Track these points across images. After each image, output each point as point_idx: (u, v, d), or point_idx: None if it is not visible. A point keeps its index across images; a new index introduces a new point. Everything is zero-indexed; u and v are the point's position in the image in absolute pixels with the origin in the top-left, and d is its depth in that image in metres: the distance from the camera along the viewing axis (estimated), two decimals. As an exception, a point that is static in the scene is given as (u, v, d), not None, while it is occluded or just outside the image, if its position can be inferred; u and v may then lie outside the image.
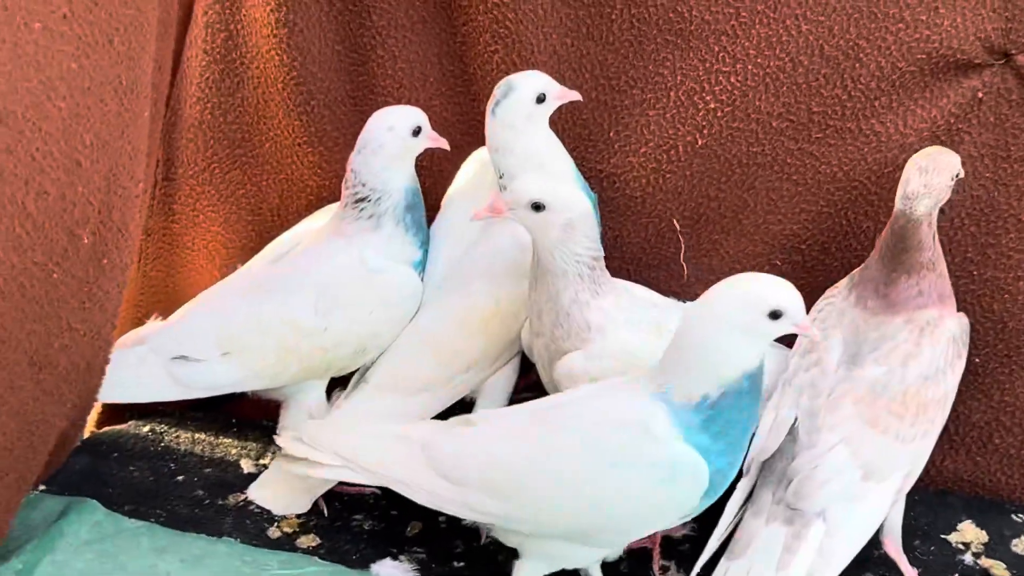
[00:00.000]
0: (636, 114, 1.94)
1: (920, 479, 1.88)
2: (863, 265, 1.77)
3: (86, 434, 2.08)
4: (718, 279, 1.92)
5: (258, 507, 1.85)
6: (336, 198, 1.90)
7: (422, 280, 1.88)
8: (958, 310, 1.80)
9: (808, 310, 1.56)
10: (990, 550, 1.83)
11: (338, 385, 1.94)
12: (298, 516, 1.84)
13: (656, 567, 1.76)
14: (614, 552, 1.65)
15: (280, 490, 1.85)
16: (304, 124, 2.06)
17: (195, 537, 1.75)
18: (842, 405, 1.66)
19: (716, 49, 1.88)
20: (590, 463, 1.50)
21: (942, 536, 1.85)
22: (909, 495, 1.77)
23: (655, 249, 2.00)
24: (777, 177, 1.92)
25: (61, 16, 1.40)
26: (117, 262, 1.65)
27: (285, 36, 2.01)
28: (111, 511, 1.78)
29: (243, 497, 1.87)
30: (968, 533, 1.86)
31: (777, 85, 1.88)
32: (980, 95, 1.82)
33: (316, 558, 1.73)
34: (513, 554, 1.63)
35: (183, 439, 2.07)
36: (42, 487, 1.85)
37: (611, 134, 1.96)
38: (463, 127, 2.04)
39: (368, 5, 2.01)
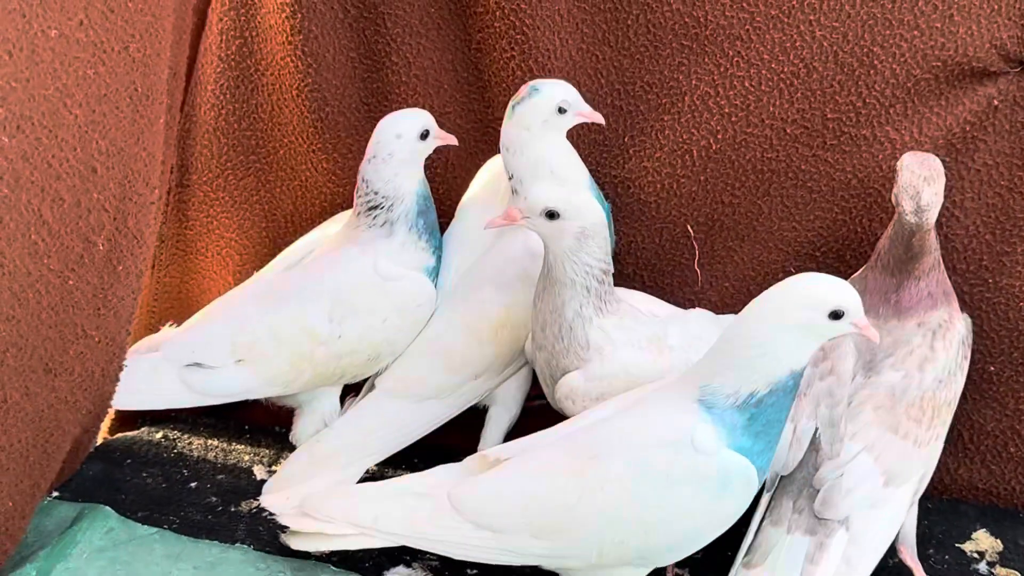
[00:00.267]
0: (651, 119, 1.95)
1: (935, 488, 1.90)
2: (860, 276, 1.77)
3: (99, 440, 2.08)
4: (732, 286, 1.95)
5: (271, 514, 1.83)
6: (350, 204, 1.90)
7: (435, 286, 1.88)
8: (972, 318, 1.81)
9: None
10: (1005, 559, 1.82)
11: (352, 391, 1.95)
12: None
13: (670, 575, 1.76)
14: None
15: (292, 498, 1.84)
16: (318, 131, 2.07)
17: (208, 544, 1.76)
18: (862, 412, 1.67)
19: (731, 53, 1.89)
20: (641, 488, 1.49)
21: (957, 545, 1.85)
22: (924, 504, 1.77)
23: (669, 255, 2.00)
24: (792, 183, 1.92)
25: (78, 23, 1.42)
26: (132, 269, 1.66)
27: (300, 43, 2.02)
28: (124, 518, 1.79)
29: (256, 504, 1.87)
30: (983, 542, 1.86)
31: (791, 91, 1.88)
32: (996, 103, 1.82)
33: (329, 565, 1.73)
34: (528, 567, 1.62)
35: (196, 445, 2.07)
36: (55, 493, 1.86)
37: (626, 139, 1.96)
38: (478, 133, 2.04)
39: (383, 12, 2.01)
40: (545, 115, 1.79)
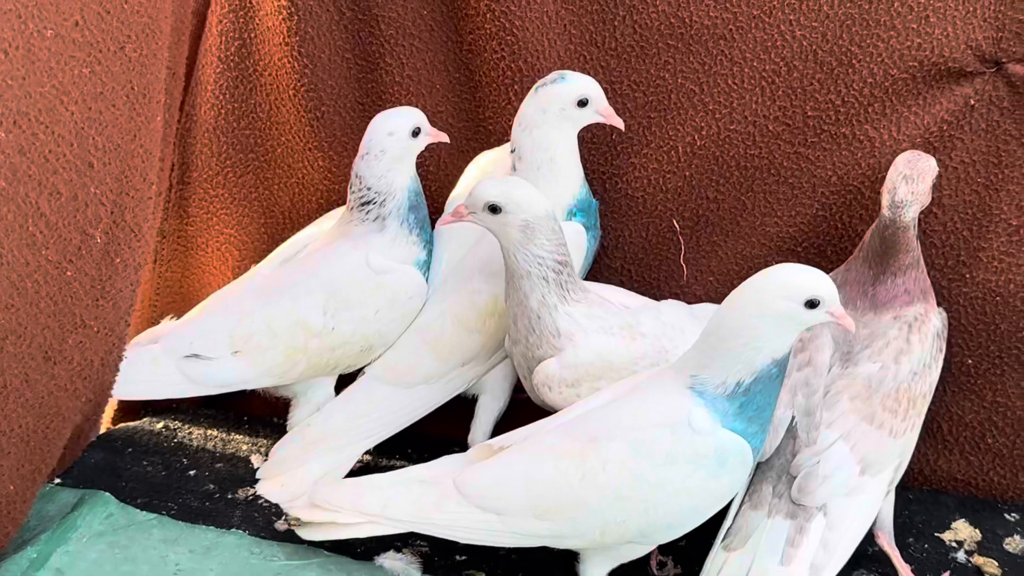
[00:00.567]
0: (638, 117, 1.98)
1: (915, 478, 1.93)
2: (844, 268, 1.80)
3: (101, 430, 2.12)
4: (716, 280, 1.97)
5: (267, 501, 1.87)
6: (345, 200, 1.93)
7: (427, 279, 1.91)
8: (950, 312, 1.84)
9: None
10: (983, 548, 1.85)
11: (347, 382, 1.97)
12: (306, 510, 1.86)
13: (654, 562, 1.78)
14: None
15: (290, 488, 1.87)
16: (314, 129, 2.10)
17: (204, 529, 1.79)
18: (839, 402, 1.70)
19: (715, 52, 1.92)
20: (642, 468, 1.52)
21: (936, 534, 1.88)
22: (904, 494, 1.80)
23: (656, 249, 2.03)
24: (774, 180, 1.95)
25: (73, 23, 1.45)
26: (130, 261, 1.70)
27: (296, 44, 2.05)
28: (124, 504, 1.82)
29: (252, 491, 1.90)
30: (962, 531, 1.88)
31: (773, 89, 1.91)
32: (972, 102, 1.85)
33: (322, 550, 1.75)
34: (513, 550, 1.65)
35: (196, 435, 2.10)
36: (57, 480, 1.89)
37: (613, 136, 1.99)
38: (469, 132, 2.07)
39: (377, 15, 2.04)
40: (564, 103, 1.81)
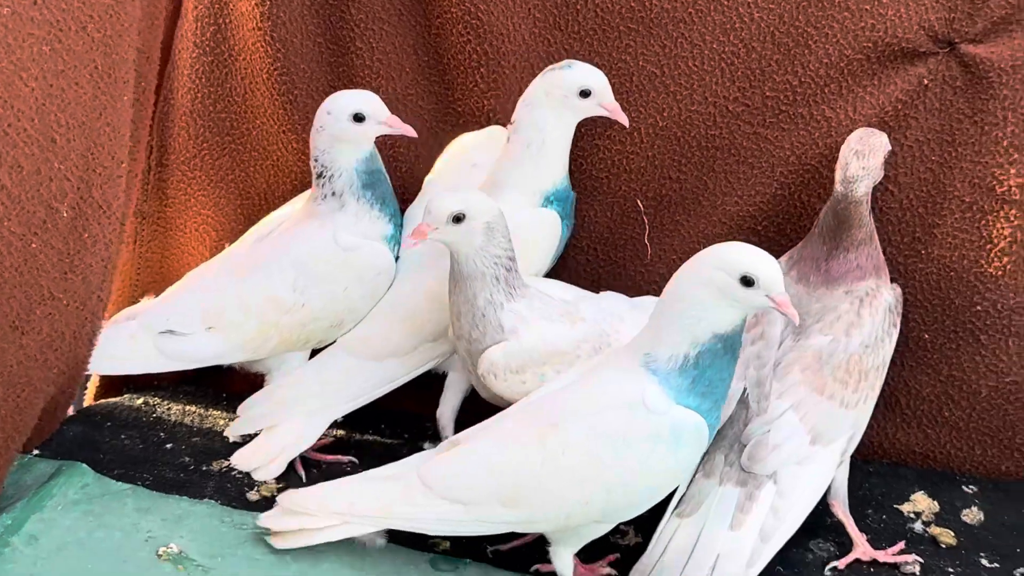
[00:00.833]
0: None
1: (874, 451, 1.96)
2: (801, 245, 1.84)
3: (83, 405, 2.17)
4: (680, 259, 1.96)
5: (240, 472, 1.91)
6: (319, 182, 1.97)
7: (397, 254, 1.94)
8: (906, 287, 1.88)
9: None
10: (941, 519, 1.88)
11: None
12: (277, 480, 1.89)
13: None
14: None
15: (260, 455, 1.92)
16: (288, 112, 2.12)
17: (178, 499, 1.82)
18: (790, 373, 1.73)
19: (675, 35, 1.95)
20: (600, 449, 1.54)
21: (895, 506, 1.90)
22: (864, 467, 1.82)
23: (620, 229, 2.06)
24: (734, 160, 1.98)
25: (31, 2, 1.48)
26: (100, 237, 1.73)
27: (269, 29, 2.07)
28: (100, 474, 1.84)
29: (226, 463, 1.93)
30: (920, 503, 1.90)
31: (732, 70, 1.95)
32: (926, 82, 1.88)
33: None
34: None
35: (174, 411, 2.13)
36: (35, 452, 1.92)
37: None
38: (438, 115, 2.10)
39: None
40: (566, 91, 1.84)
